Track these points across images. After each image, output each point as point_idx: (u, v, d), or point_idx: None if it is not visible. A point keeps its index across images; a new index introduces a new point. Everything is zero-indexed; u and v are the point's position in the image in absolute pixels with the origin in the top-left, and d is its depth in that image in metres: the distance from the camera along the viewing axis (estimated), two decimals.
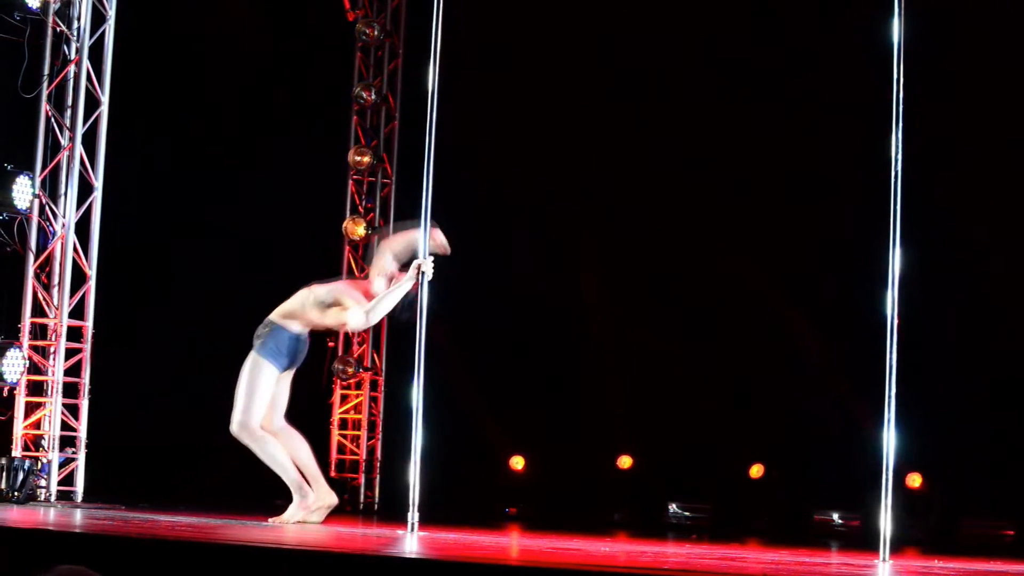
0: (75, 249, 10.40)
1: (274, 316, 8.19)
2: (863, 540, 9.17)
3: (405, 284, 7.83)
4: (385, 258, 8.12)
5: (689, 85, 11.85)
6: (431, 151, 7.55)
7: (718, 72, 11.83)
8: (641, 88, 12.13)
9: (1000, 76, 10.89)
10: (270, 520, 8.16)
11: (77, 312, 10.44)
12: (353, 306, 8.02)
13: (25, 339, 10.27)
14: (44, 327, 10.39)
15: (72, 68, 10.45)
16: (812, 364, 11.37)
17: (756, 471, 11.83)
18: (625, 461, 12.24)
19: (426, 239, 7.69)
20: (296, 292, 8.25)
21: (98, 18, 10.57)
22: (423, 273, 7.66)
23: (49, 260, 10.38)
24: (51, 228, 10.38)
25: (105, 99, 10.57)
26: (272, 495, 12.12)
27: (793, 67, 11.50)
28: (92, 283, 10.47)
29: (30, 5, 10.21)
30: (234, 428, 8.21)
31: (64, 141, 10.44)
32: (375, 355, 13.01)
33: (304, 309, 8.15)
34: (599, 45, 12.26)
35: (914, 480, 11.21)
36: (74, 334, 10.44)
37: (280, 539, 6.31)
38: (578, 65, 12.26)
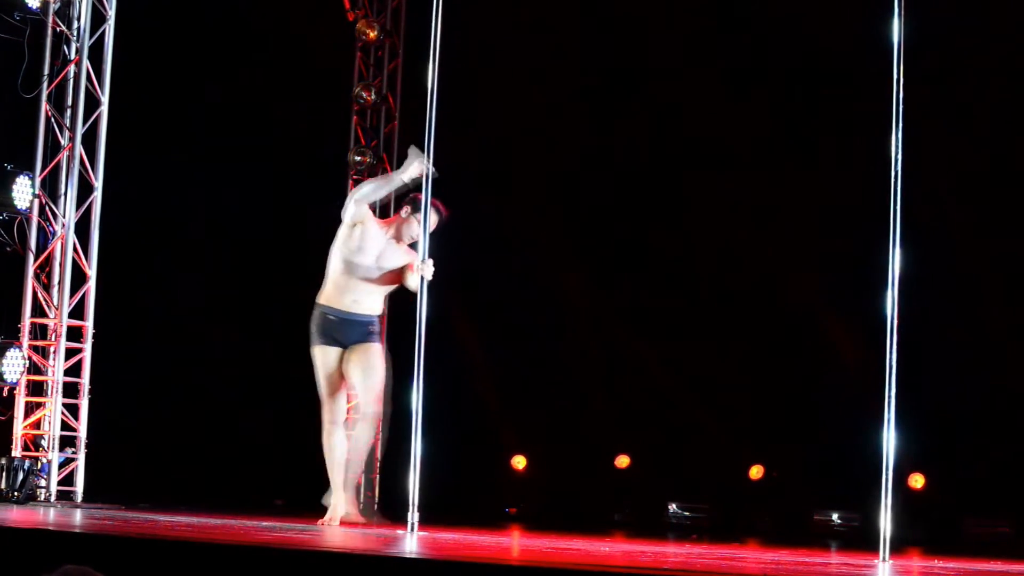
0: (75, 249, 10.40)
1: (376, 307, 8.26)
2: (863, 540, 9.17)
3: (414, 278, 7.88)
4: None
5: (689, 85, 11.84)
6: (430, 149, 7.54)
7: (718, 71, 11.83)
8: (640, 88, 12.12)
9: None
10: (319, 523, 8.13)
11: (77, 312, 10.43)
12: (410, 276, 8.19)
13: (25, 339, 10.27)
14: (44, 327, 10.39)
15: (72, 68, 10.45)
16: (813, 364, 11.38)
17: (756, 472, 11.84)
18: (622, 461, 12.25)
19: (425, 239, 7.69)
20: (341, 271, 8.21)
21: (98, 18, 10.56)
22: (423, 277, 7.68)
23: (49, 260, 10.37)
24: (51, 228, 10.38)
25: (105, 99, 10.56)
26: (272, 495, 12.15)
27: (794, 67, 11.50)
28: (92, 283, 10.47)
29: (30, 5, 10.20)
30: (375, 416, 8.23)
31: (64, 141, 10.44)
32: None
33: (389, 288, 8.27)
34: (597, 45, 12.25)
35: (917, 480, 11.22)
36: (74, 334, 10.44)
37: (279, 539, 6.31)
38: (578, 65, 12.25)
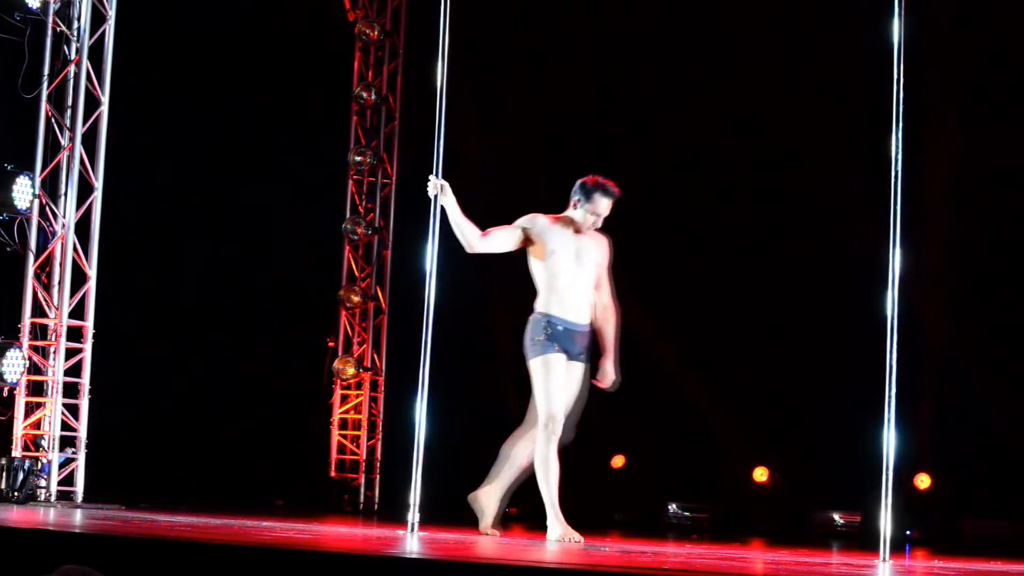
0: (75, 249, 10.39)
1: (589, 313, 7.76)
2: (863, 540, 9.17)
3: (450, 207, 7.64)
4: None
5: (690, 88, 11.84)
6: (439, 147, 7.51)
7: (720, 73, 11.83)
8: (642, 91, 12.12)
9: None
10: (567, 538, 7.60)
11: (77, 312, 10.42)
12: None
13: (25, 339, 10.26)
14: (44, 327, 10.38)
15: (72, 68, 10.44)
16: (813, 364, 11.38)
17: (761, 474, 11.84)
18: (618, 460, 12.24)
19: (433, 241, 7.67)
20: (548, 279, 7.65)
21: (98, 18, 10.55)
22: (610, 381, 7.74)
23: (49, 260, 10.36)
24: (51, 228, 10.37)
25: (105, 99, 10.56)
26: (272, 495, 12.14)
27: (796, 66, 11.50)
28: (92, 283, 10.46)
29: (30, 5, 10.19)
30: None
31: (64, 141, 10.43)
32: (375, 355, 13.00)
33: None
34: (599, 45, 12.25)
35: (923, 481, 11.22)
36: (74, 334, 10.43)
37: (280, 540, 6.31)
38: (579, 65, 12.26)
